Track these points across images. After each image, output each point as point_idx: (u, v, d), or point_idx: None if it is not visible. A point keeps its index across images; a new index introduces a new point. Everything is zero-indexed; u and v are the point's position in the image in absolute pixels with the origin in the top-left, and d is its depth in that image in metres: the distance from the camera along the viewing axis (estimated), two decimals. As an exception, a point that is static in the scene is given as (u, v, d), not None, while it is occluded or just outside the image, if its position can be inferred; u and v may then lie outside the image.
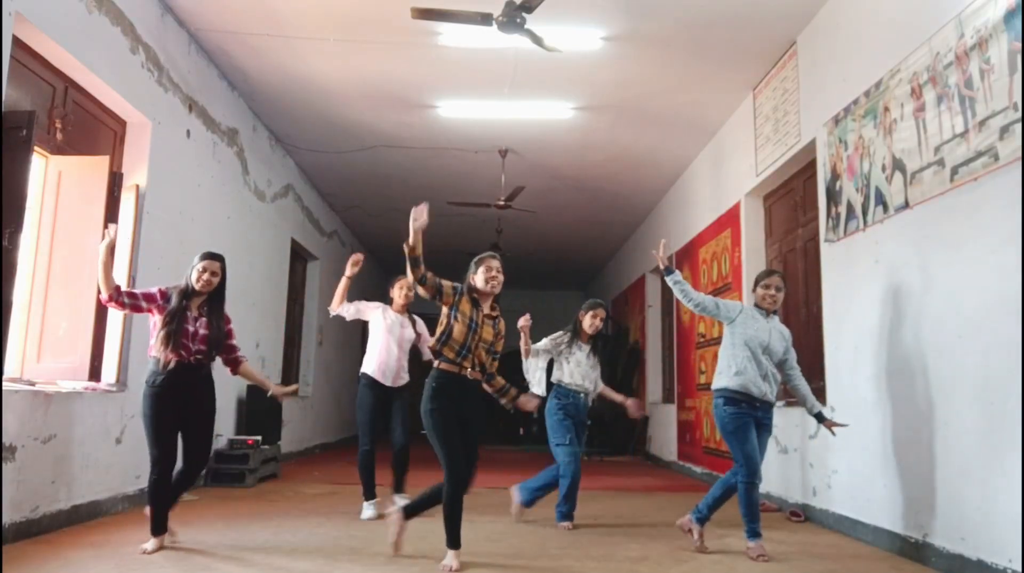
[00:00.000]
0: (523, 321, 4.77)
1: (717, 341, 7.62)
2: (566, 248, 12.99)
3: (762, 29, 5.71)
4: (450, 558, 3.66)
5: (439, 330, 3.75)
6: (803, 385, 4.29)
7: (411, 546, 4.03)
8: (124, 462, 5.08)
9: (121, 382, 5.11)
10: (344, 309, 5.22)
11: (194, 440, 4.01)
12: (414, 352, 5.39)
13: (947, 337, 3.86)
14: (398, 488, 5.17)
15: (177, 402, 3.88)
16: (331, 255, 11.07)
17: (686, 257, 8.95)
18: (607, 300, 14.21)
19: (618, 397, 5.27)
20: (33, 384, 4.38)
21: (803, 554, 4.18)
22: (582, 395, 5.03)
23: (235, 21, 5.77)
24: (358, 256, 5.15)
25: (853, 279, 4.84)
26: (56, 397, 4.34)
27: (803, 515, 5.37)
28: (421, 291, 3.71)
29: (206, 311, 4.02)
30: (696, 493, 6.92)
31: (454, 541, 3.69)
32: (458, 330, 3.69)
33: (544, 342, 5.07)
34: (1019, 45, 3.35)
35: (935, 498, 3.90)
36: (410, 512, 3.88)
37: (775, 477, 6.04)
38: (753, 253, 6.90)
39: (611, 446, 10.78)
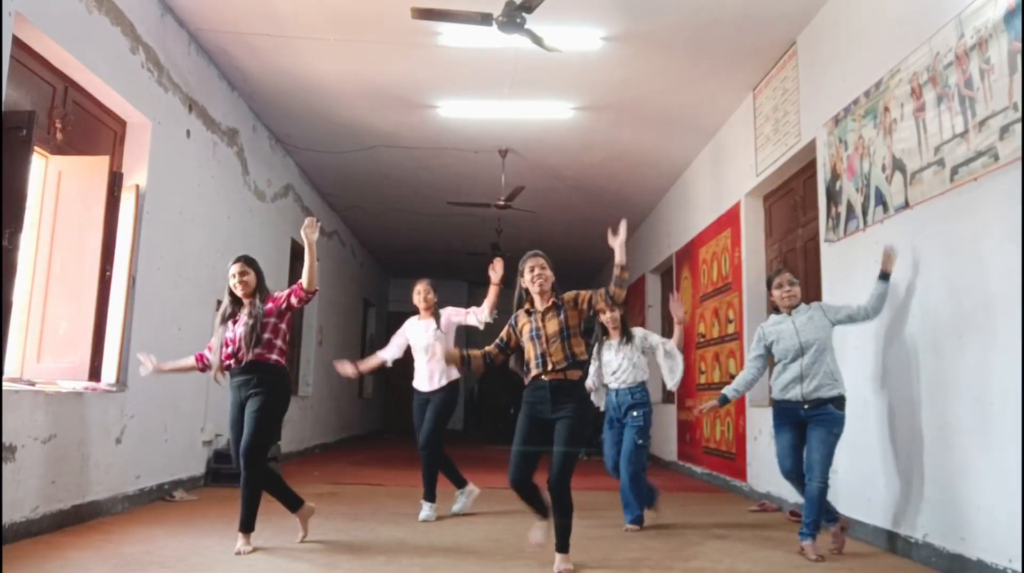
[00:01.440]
0: (680, 313, 4.98)
1: (717, 341, 7.64)
2: (566, 248, 12.98)
3: (762, 29, 5.71)
4: (558, 562, 3.64)
5: (512, 361, 3.87)
6: (871, 295, 4.24)
7: (411, 545, 4.03)
8: (124, 462, 5.08)
9: (121, 382, 5.11)
10: (390, 354, 5.35)
11: (241, 430, 4.08)
12: (467, 333, 5.42)
13: (947, 337, 3.86)
14: (427, 494, 5.15)
15: (236, 399, 4.11)
16: (331, 255, 11.07)
17: (686, 257, 8.95)
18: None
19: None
20: (33, 384, 4.38)
21: (803, 554, 4.18)
22: (614, 392, 5.06)
23: (235, 21, 5.77)
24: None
25: (853, 279, 4.84)
26: (56, 397, 4.34)
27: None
28: (500, 358, 3.88)
29: (250, 310, 4.10)
30: (696, 493, 6.92)
31: (560, 545, 3.66)
32: (527, 348, 3.77)
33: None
34: (1019, 45, 3.35)
35: (935, 498, 3.90)
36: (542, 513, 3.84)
37: (775, 477, 6.04)
38: (753, 253, 6.90)
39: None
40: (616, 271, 3.67)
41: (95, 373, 4.83)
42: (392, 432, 15.46)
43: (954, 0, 3.85)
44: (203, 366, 4.24)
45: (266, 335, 4.06)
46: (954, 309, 3.81)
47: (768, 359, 4.43)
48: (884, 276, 4.24)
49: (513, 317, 3.87)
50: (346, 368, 5.08)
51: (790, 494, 5.72)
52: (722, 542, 4.47)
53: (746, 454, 6.71)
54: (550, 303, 3.78)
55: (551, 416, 3.67)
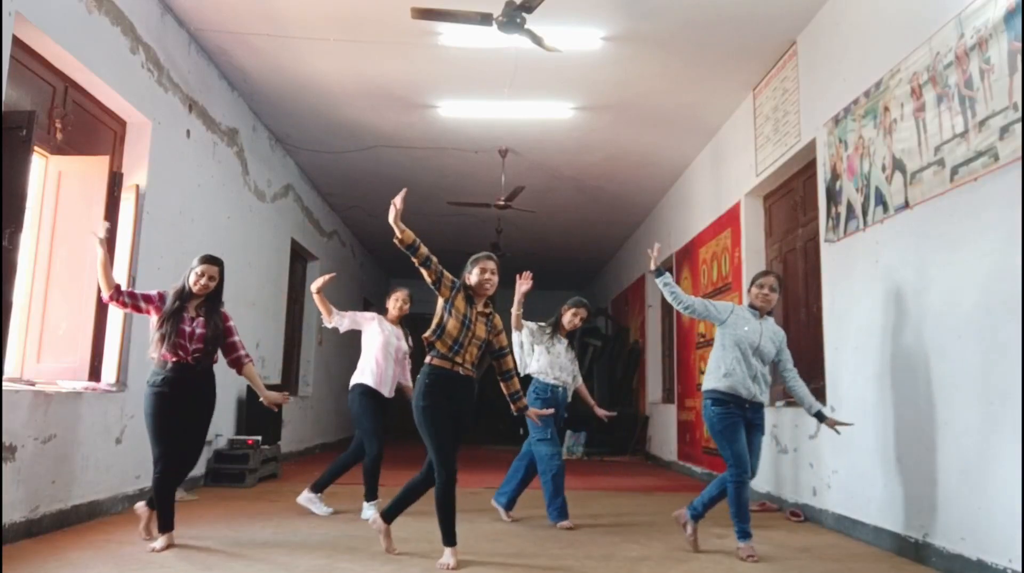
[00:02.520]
0: (524, 282, 4.80)
1: (717, 341, 7.63)
2: (566, 248, 12.98)
3: (762, 29, 5.71)
4: (448, 556, 3.68)
5: (434, 323, 3.80)
6: (800, 386, 4.27)
7: (412, 546, 4.03)
8: (124, 462, 5.08)
9: (121, 382, 5.11)
10: (338, 320, 5.24)
11: (187, 440, 4.02)
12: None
13: (947, 337, 3.86)
14: (371, 495, 5.16)
15: (177, 401, 3.92)
16: (331, 255, 11.07)
17: (686, 257, 8.95)
18: (607, 300, 14.22)
19: (591, 401, 5.41)
20: (33, 384, 4.38)
21: (803, 554, 4.18)
22: (560, 389, 5.10)
23: (235, 21, 5.77)
24: (332, 275, 5.34)
25: (853, 279, 4.84)
26: (56, 397, 4.34)
27: (803, 515, 5.37)
28: (424, 274, 3.75)
29: (203, 311, 4.05)
30: (696, 493, 6.91)
31: (450, 537, 3.71)
32: (452, 325, 3.74)
33: (531, 324, 5.17)
34: (1019, 45, 3.35)
35: (935, 498, 3.90)
36: (391, 515, 3.94)
37: (775, 477, 6.05)
38: (753, 253, 6.90)
39: (611, 446, 10.78)
40: (516, 387, 3.98)
41: (95, 373, 4.83)
42: (392, 433, 15.45)
43: (954, 0, 3.85)
44: (115, 295, 3.97)
45: (218, 347, 4.11)
46: (954, 309, 3.81)
47: (702, 320, 4.37)
48: (658, 273, 4.34)
49: (455, 290, 3.80)
50: (317, 281, 5.12)
51: (791, 494, 5.72)
52: (722, 542, 4.46)
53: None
54: (486, 309, 3.87)
55: (457, 407, 3.78)
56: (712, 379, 4.20)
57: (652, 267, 4.37)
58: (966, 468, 3.67)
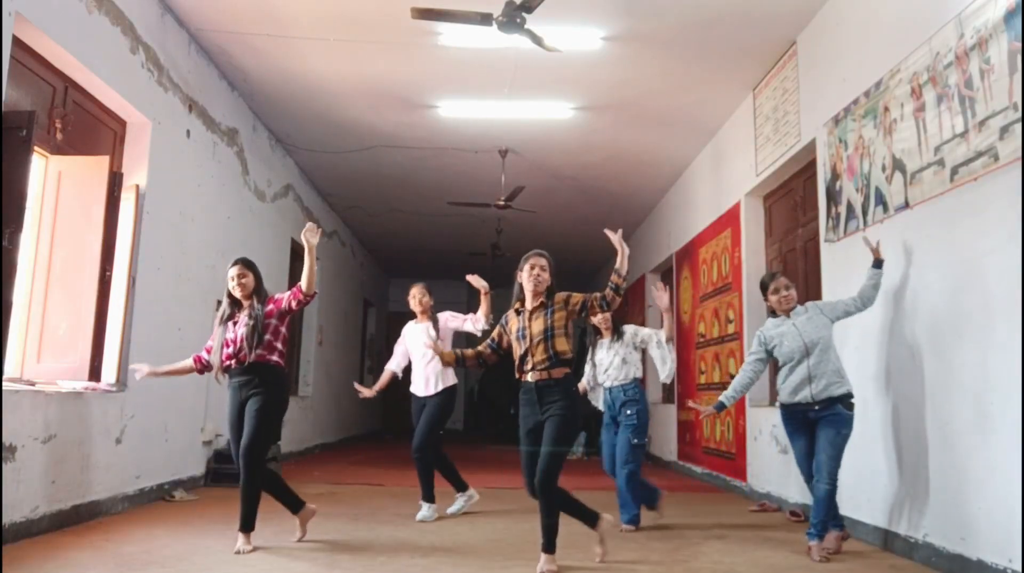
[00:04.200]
0: (664, 301, 4.87)
1: (717, 341, 7.64)
2: (566, 248, 12.98)
3: (762, 29, 5.71)
4: (543, 562, 3.69)
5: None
6: (865, 288, 4.27)
7: (411, 545, 4.03)
8: (124, 462, 5.08)
9: (121, 382, 5.11)
10: (397, 365, 5.40)
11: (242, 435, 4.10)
12: (465, 338, 5.40)
13: (947, 337, 3.86)
14: (426, 495, 5.14)
15: (235, 400, 4.12)
16: (331, 255, 11.07)
17: (686, 257, 8.95)
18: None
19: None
20: (33, 384, 4.38)
21: (803, 554, 4.18)
22: (615, 389, 5.07)
23: (235, 21, 5.77)
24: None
25: (853, 279, 4.83)
26: (56, 397, 4.34)
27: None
28: (494, 358, 3.98)
29: (249, 311, 4.12)
30: (696, 493, 6.92)
31: (546, 545, 3.73)
32: (514, 347, 3.82)
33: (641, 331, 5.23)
34: (1019, 45, 3.35)
35: (935, 498, 3.90)
36: (589, 520, 3.93)
37: (775, 477, 6.05)
38: (753, 253, 6.90)
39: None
40: (615, 278, 3.70)
41: (95, 373, 4.83)
42: (391, 433, 15.46)
43: (954, 0, 3.85)
44: (201, 367, 4.25)
45: (267, 336, 4.08)
46: (954, 309, 3.81)
47: (768, 363, 4.42)
48: (878, 264, 4.26)
49: (504, 317, 3.93)
50: (364, 391, 5.25)
51: (790, 494, 5.72)
52: (722, 542, 4.47)
53: (746, 454, 6.71)
54: (539, 303, 3.81)
55: (540, 417, 3.70)
56: (779, 395, 4.35)
57: (704, 412, 4.49)
58: (966, 468, 3.67)
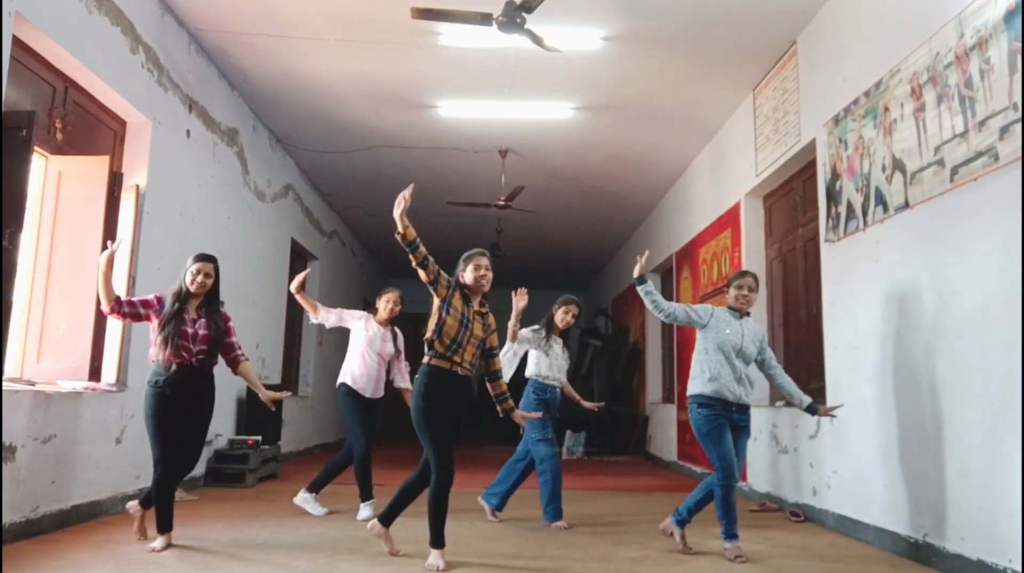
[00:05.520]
0: (521, 299, 4.71)
1: (717, 341, 7.63)
2: (566, 248, 12.98)
3: (762, 29, 5.71)
4: (435, 557, 3.63)
5: (432, 321, 3.76)
6: (787, 382, 4.28)
7: (413, 546, 4.03)
8: (124, 462, 5.08)
9: (121, 382, 5.11)
10: (324, 315, 5.23)
11: (188, 441, 4.01)
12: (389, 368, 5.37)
13: (947, 337, 3.86)
14: (365, 495, 5.14)
15: (179, 402, 3.91)
16: (331, 255, 11.07)
17: (686, 257, 8.95)
18: (607, 300, 14.21)
19: (575, 396, 5.37)
20: (33, 384, 4.38)
21: (803, 554, 4.18)
22: (558, 389, 5.13)
23: (235, 21, 5.77)
24: (304, 274, 5.27)
25: (853, 279, 4.84)
26: (56, 397, 4.34)
27: (803, 515, 5.37)
28: (421, 274, 3.69)
29: (204, 312, 4.05)
30: (696, 493, 6.92)
31: (440, 539, 3.67)
32: (450, 324, 3.70)
33: (526, 332, 5.08)
34: (1019, 45, 3.35)
35: (935, 498, 3.90)
36: (389, 517, 3.90)
37: (775, 477, 6.05)
38: (753, 253, 6.90)
39: (611, 446, 10.78)
40: (493, 387, 3.95)
41: (95, 373, 4.83)
42: (392, 432, 15.44)
43: (954, 0, 3.85)
44: (114, 310, 3.92)
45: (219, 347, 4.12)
46: (954, 309, 3.81)
47: (689, 331, 4.33)
48: (641, 280, 4.26)
49: (451, 289, 3.76)
50: (294, 282, 5.12)
51: (791, 494, 5.72)
52: (721, 542, 4.46)
53: (746, 454, 6.70)
54: (482, 308, 3.83)
55: (455, 408, 3.76)
56: (697, 383, 4.20)
57: (636, 274, 4.31)
58: (966, 468, 3.67)
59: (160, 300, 4.04)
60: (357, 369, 5.17)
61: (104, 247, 4.74)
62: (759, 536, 4.73)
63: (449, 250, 10.90)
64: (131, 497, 5.15)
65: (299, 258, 9.89)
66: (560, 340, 5.21)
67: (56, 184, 4.77)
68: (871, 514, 4.52)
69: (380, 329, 5.28)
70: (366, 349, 5.19)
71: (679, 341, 9.08)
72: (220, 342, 4.07)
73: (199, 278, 4.02)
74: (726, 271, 7.43)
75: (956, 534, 3.72)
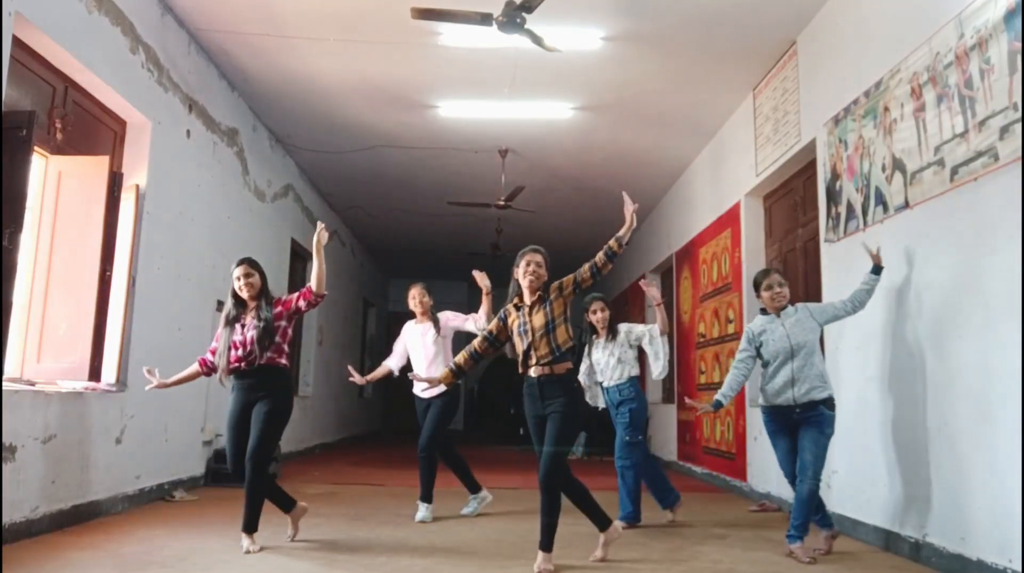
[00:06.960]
0: (653, 291, 4.96)
1: (717, 341, 7.64)
2: (566, 248, 12.97)
3: (762, 29, 5.71)
4: (540, 560, 3.65)
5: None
6: (859, 293, 4.24)
7: (411, 545, 4.03)
8: (124, 462, 5.08)
9: (121, 382, 5.11)
10: (395, 363, 5.39)
11: (244, 443, 4.05)
12: (466, 337, 5.35)
13: (947, 337, 3.86)
14: (424, 496, 5.14)
15: (241, 402, 4.06)
16: (331, 255, 11.05)
17: (686, 257, 8.95)
18: (608, 300, 14.18)
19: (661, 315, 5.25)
20: (33, 384, 4.38)
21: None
22: (606, 390, 5.18)
23: (235, 21, 5.77)
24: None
25: (853, 279, 4.83)
26: (56, 397, 4.34)
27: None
28: (491, 351, 3.92)
29: (257, 313, 4.09)
30: (696, 493, 6.91)
31: (543, 543, 3.69)
32: (516, 343, 3.82)
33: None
34: (1019, 45, 3.35)
35: (935, 498, 3.90)
36: (601, 523, 3.93)
37: (775, 477, 6.04)
38: (753, 253, 6.90)
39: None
40: (612, 244, 3.73)
41: (95, 373, 4.83)
42: (391, 432, 15.47)
43: (954, 0, 3.85)
44: (207, 370, 4.21)
45: (276, 338, 4.09)
46: (954, 309, 3.81)
47: (756, 359, 4.39)
48: (876, 270, 4.24)
49: (503, 310, 3.91)
50: (356, 377, 5.24)
51: (790, 494, 5.72)
52: (722, 542, 4.46)
53: (746, 454, 6.71)
54: (536, 297, 3.82)
55: (543, 412, 3.74)
56: (760, 397, 4.33)
57: (701, 409, 4.41)
58: (966, 468, 3.67)
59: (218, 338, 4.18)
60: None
61: (104, 250, 4.78)
62: (759, 536, 4.73)
63: (449, 250, 10.79)
64: (131, 497, 5.16)
65: (299, 258, 9.89)
66: (601, 341, 5.18)
67: (56, 184, 4.77)
68: (871, 514, 4.52)
69: (419, 327, 5.35)
70: (412, 354, 5.33)
71: (679, 341, 9.08)
72: (269, 333, 4.05)
73: (245, 282, 4.09)
74: (726, 271, 7.43)
75: (956, 534, 3.72)
